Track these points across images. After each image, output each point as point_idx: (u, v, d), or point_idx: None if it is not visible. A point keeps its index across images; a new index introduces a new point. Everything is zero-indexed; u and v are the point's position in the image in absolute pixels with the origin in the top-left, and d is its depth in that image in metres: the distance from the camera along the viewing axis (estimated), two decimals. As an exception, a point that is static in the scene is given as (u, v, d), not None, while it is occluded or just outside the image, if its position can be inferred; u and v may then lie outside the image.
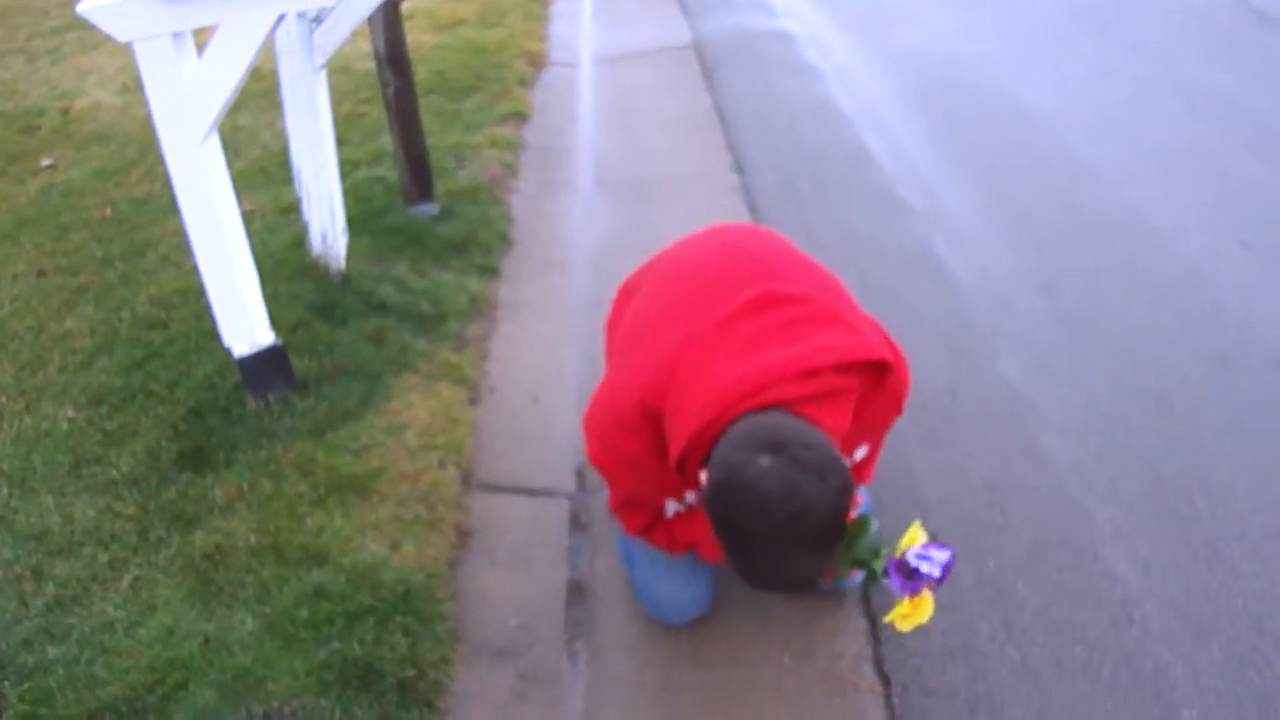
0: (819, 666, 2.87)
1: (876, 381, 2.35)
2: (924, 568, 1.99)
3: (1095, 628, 2.95)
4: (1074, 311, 4.37)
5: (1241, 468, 3.47)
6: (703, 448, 2.22)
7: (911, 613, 2.06)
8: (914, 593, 2.04)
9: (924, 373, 3.90)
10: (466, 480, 3.60)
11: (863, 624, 3.00)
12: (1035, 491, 3.45)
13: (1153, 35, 7.90)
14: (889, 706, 2.77)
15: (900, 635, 2.88)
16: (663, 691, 2.85)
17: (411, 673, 2.78)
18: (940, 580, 2.05)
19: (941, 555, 2.01)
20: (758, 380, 2.14)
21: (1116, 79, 7.12)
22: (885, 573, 2.06)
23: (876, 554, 2.07)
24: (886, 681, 2.83)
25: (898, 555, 2.03)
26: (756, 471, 1.94)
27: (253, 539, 3.19)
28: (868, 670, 2.86)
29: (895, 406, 2.54)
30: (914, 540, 2.03)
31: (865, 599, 3.07)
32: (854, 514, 2.11)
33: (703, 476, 2.22)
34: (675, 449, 2.26)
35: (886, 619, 2.08)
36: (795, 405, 2.17)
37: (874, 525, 2.08)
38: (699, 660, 2.92)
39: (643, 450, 2.41)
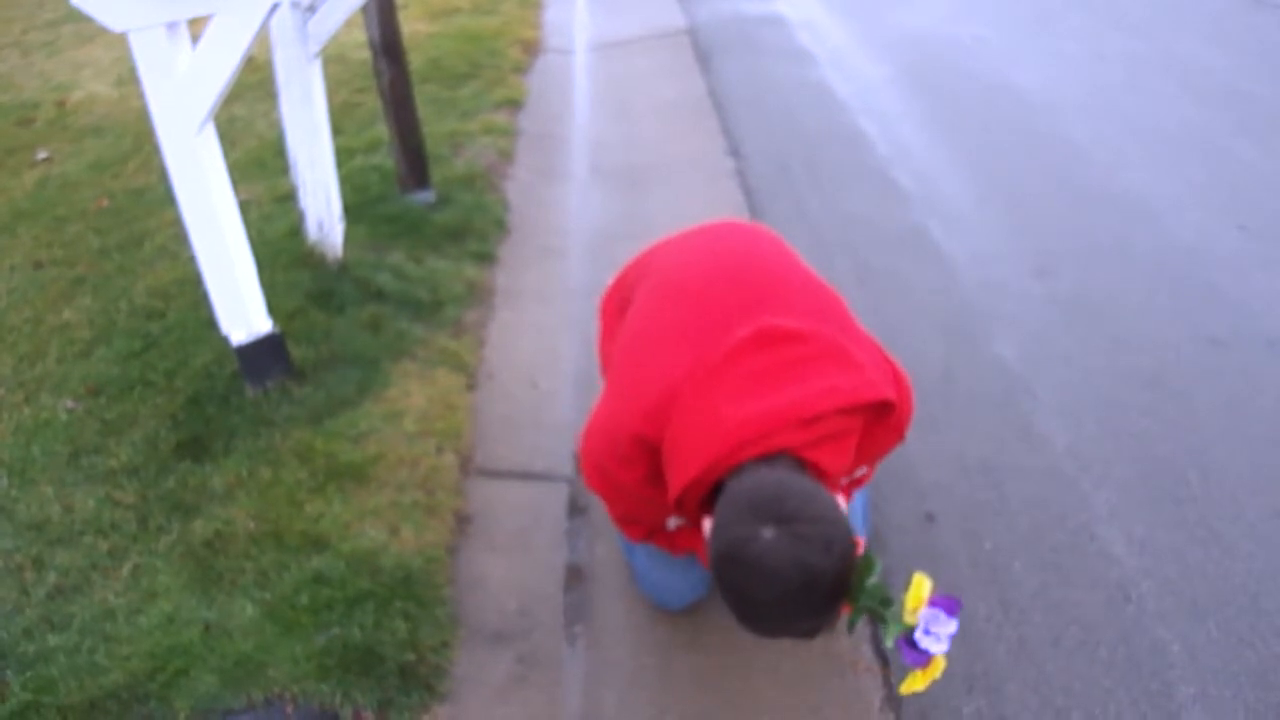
0: (817, 648, 2.87)
1: (880, 416, 2.31)
2: (933, 648, 1.98)
3: (1092, 607, 2.96)
4: (1069, 293, 4.38)
5: (1236, 448, 3.48)
6: (702, 488, 2.20)
7: (925, 676, 2.05)
8: (925, 665, 2.03)
9: (921, 356, 3.93)
10: (465, 466, 3.61)
11: (859, 604, 3.00)
12: (1031, 473, 3.46)
13: (1146, 17, 7.92)
14: (887, 686, 2.78)
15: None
16: (661, 675, 2.86)
17: (411, 657, 2.79)
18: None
19: (947, 628, 1.99)
20: (759, 428, 2.10)
21: (1110, 61, 7.13)
22: (896, 647, 2.06)
23: (886, 603, 2.06)
24: (884, 661, 2.85)
25: (905, 616, 2.01)
26: (760, 548, 1.90)
27: (252, 526, 3.20)
28: (866, 650, 2.88)
29: (898, 435, 2.50)
30: (920, 598, 2.00)
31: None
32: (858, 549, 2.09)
33: (706, 526, 2.20)
34: (674, 489, 2.23)
35: (903, 691, 2.07)
36: (797, 450, 2.13)
37: (878, 565, 2.06)
38: (697, 644, 2.94)
39: (640, 480, 2.38)
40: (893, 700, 2.73)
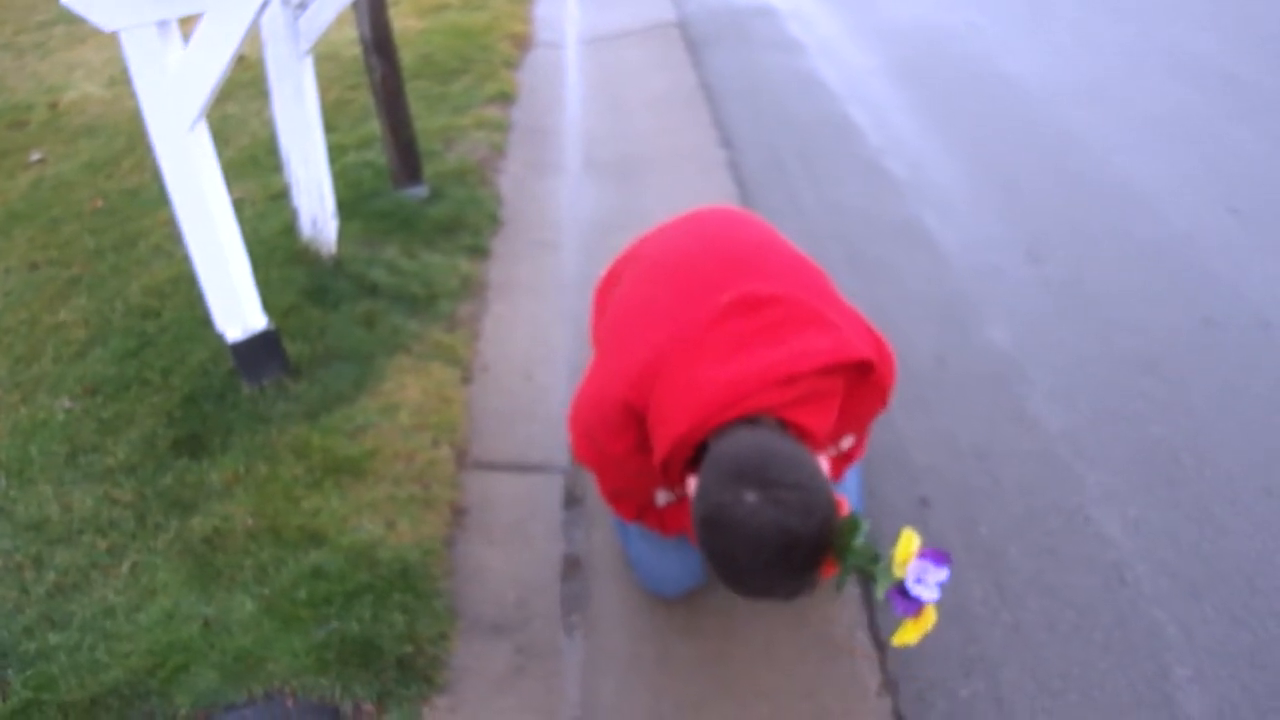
0: (813, 633, 2.89)
1: (860, 379, 2.36)
2: (925, 595, 2.00)
3: (1087, 590, 2.97)
4: (1062, 278, 4.39)
5: (1230, 429, 3.49)
6: (686, 451, 2.25)
7: (917, 629, 2.07)
8: (916, 614, 2.05)
9: (913, 341, 3.94)
10: (461, 458, 3.62)
11: (855, 590, 3.02)
12: (1025, 457, 3.47)
13: (1139, 3, 7.90)
14: (883, 671, 2.79)
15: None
16: (659, 663, 2.87)
17: (410, 649, 2.81)
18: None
19: (938, 575, 2.01)
20: (739, 389, 2.16)
21: (1102, 46, 7.13)
22: (887, 598, 2.08)
23: (874, 559, 2.08)
24: (880, 646, 2.86)
25: (894, 570, 2.03)
26: (742, 512, 1.95)
27: (250, 522, 3.21)
28: (861, 636, 2.89)
29: (880, 400, 2.53)
30: (909, 551, 2.02)
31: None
32: (844, 512, 2.12)
33: (690, 484, 2.24)
34: (658, 454, 2.28)
35: (895, 642, 2.09)
36: (778, 411, 2.19)
37: (865, 526, 2.09)
38: (694, 631, 2.95)
39: (628, 448, 2.42)
40: (889, 684, 2.75)
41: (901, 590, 2.02)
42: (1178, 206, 4.86)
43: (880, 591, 2.05)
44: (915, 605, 2.01)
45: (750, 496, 1.96)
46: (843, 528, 2.04)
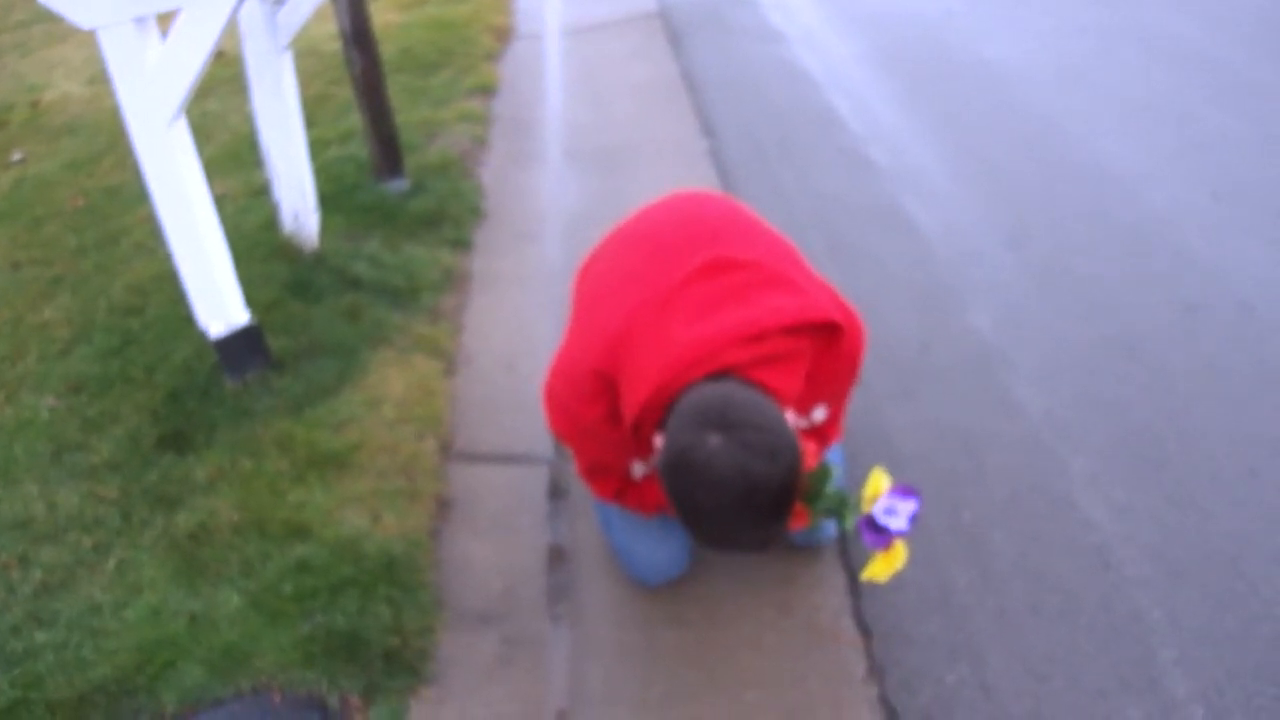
0: (799, 621, 2.90)
1: (829, 343, 2.38)
2: (893, 524, 2.03)
3: (1072, 574, 2.97)
4: (1043, 263, 4.39)
5: (1212, 411, 3.49)
6: (655, 413, 2.27)
7: (887, 564, 2.09)
8: (886, 546, 2.07)
9: (895, 328, 3.94)
10: (445, 450, 3.63)
11: (841, 578, 3.02)
12: (1009, 442, 3.47)
13: (1117, -13, 7.91)
14: (869, 657, 2.79)
15: (879, 587, 2.92)
16: (645, 651, 2.87)
17: (396, 641, 2.81)
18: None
19: (907, 506, 2.04)
20: (706, 346, 2.19)
21: (1081, 31, 7.13)
22: (856, 530, 2.10)
23: (844, 501, 2.10)
24: (866, 633, 2.86)
25: (864, 507, 2.07)
26: (705, 455, 1.98)
27: (235, 517, 3.21)
28: (847, 623, 2.89)
29: (850, 368, 2.57)
30: (878, 488, 2.06)
31: (843, 552, 3.10)
32: (816, 463, 2.14)
33: (657, 442, 2.26)
34: (629, 415, 2.31)
35: (864, 576, 2.11)
36: (745, 370, 2.21)
37: (836, 472, 2.11)
38: (679, 619, 2.95)
39: (601, 416, 2.45)
40: (875, 671, 2.75)
41: (871, 522, 2.05)
42: (1158, 190, 4.86)
43: (849, 523, 2.08)
44: (885, 538, 2.05)
45: (714, 440, 1.99)
46: (814, 475, 2.07)
